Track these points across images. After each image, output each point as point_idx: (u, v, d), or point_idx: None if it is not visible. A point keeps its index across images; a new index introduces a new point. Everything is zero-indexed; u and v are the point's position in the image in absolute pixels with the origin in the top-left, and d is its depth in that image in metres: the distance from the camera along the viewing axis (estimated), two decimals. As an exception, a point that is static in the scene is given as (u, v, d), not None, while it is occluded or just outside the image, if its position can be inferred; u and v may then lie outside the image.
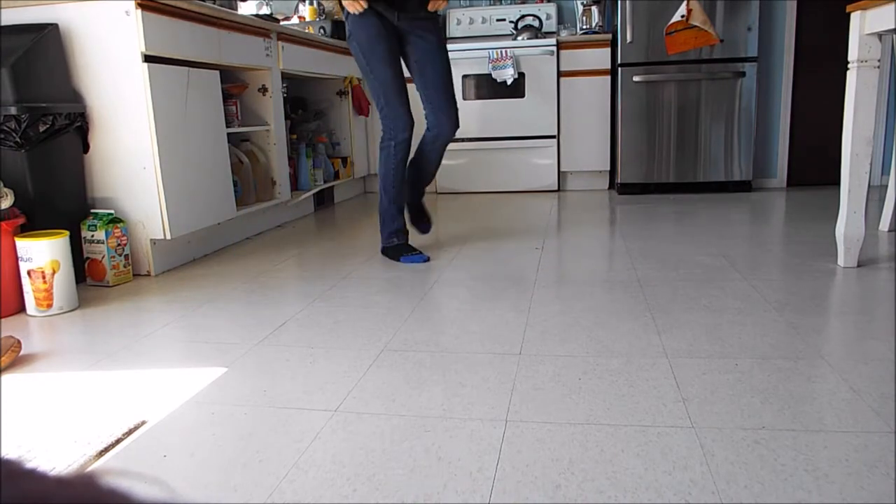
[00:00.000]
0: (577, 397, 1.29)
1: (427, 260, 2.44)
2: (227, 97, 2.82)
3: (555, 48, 3.98)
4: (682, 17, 3.44)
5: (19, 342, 1.60)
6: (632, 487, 0.99)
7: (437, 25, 2.42)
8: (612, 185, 4.23)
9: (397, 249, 2.47)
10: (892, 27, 1.88)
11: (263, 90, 3.12)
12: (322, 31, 4.30)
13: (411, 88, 2.39)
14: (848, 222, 2.14)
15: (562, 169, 4.16)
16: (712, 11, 3.62)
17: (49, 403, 1.36)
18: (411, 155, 2.48)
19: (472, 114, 4.13)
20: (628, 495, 0.97)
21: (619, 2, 3.76)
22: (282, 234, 3.14)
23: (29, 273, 1.93)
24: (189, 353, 1.63)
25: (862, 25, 2.01)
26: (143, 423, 1.25)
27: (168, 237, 2.34)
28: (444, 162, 4.20)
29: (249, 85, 3.11)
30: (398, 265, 2.41)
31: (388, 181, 2.44)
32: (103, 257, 2.22)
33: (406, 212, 2.56)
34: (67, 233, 2.00)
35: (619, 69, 3.81)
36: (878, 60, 2.02)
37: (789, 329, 1.63)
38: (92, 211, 2.26)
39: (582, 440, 1.13)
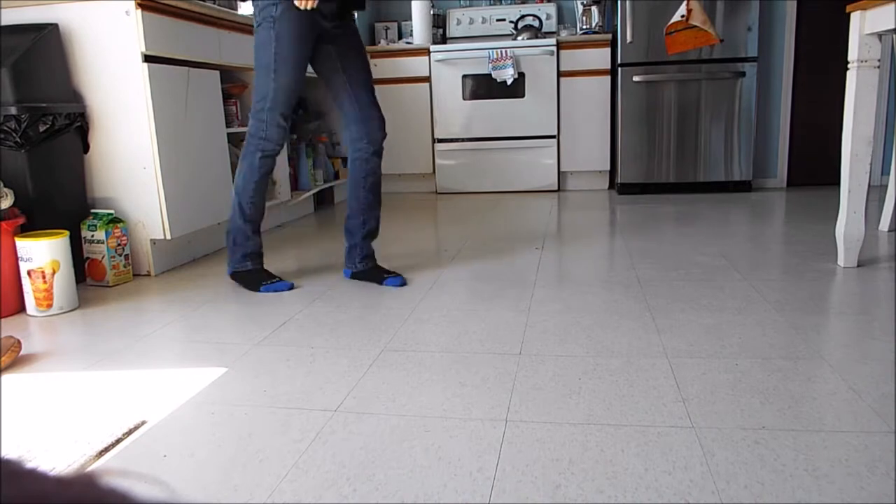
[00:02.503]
0: (577, 397, 1.29)
1: (292, 287, 2.15)
2: (227, 97, 2.82)
3: (555, 48, 3.98)
4: (682, 17, 3.44)
5: (19, 342, 1.60)
6: (632, 487, 0.99)
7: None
8: (612, 185, 4.23)
9: (253, 275, 2.15)
10: (892, 27, 1.88)
11: (263, 90, 3.12)
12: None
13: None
14: (848, 222, 2.14)
15: (562, 169, 4.16)
16: (712, 11, 3.62)
17: (49, 403, 1.36)
18: (347, 192, 2.21)
19: (472, 114, 4.13)
20: (628, 495, 0.97)
21: (619, 2, 3.76)
22: (282, 234, 3.14)
23: (29, 273, 1.92)
24: (189, 354, 1.63)
25: (862, 25, 2.01)
26: (143, 423, 1.25)
27: (168, 237, 2.34)
28: (443, 162, 4.28)
29: (249, 85, 3.11)
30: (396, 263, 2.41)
31: (247, 195, 2.09)
32: (103, 257, 2.22)
33: (368, 270, 2.21)
34: (67, 233, 2.00)
35: (619, 69, 3.81)
36: (878, 60, 2.02)
37: (789, 329, 1.63)
38: (92, 211, 2.26)
39: (582, 440, 1.13)
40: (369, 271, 2.22)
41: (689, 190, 3.92)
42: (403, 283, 2.16)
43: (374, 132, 2.13)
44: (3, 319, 1.93)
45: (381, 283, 2.17)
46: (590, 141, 4.09)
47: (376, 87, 2.20)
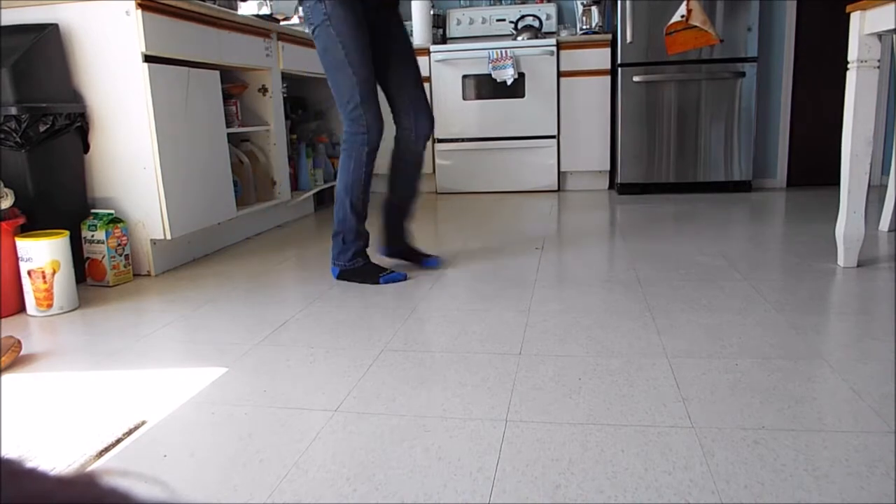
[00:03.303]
0: (577, 397, 1.29)
1: (406, 278, 2.21)
2: (227, 97, 2.82)
3: (555, 48, 3.98)
4: (682, 17, 3.44)
5: (19, 342, 1.60)
6: (632, 487, 0.99)
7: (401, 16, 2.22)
8: (612, 185, 4.23)
9: (368, 269, 2.20)
10: (892, 27, 1.88)
11: (263, 90, 3.13)
12: (322, 31, 4.29)
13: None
14: (848, 222, 2.14)
15: (562, 169, 4.16)
16: (712, 11, 3.62)
17: (49, 403, 1.36)
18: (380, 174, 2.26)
19: (472, 114, 4.13)
20: (628, 495, 0.97)
21: (619, 2, 3.76)
22: (282, 234, 3.14)
23: (29, 273, 1.93)
24: (189, 353, 1.63)
25: (862, 25, 2.01)
26: (143, 423, 1.25)
27: (168, 237, 2.34)
28: (443, 162, 4.28)
29: (249, 85, 3.11)
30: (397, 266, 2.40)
31: (357, 192, 2.14)
32: (103, 257, 2.22)
33: (391, 251, 2.33)
34: (67, 233, 2.00)
35: (619, 69, 3.81)
36: (878, 60, 2.02)
37: (789, 329, 1.63)
38: (92, 211, 2.26)
39: (582, 440, 1.13)
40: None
41: (689, 190, 3.92)
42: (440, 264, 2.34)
43: (422, 129, 2.22)
44: (3, 319, 1.93)
45: (377, 281, 2.19)
46: (590, 141, 4.09)
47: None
